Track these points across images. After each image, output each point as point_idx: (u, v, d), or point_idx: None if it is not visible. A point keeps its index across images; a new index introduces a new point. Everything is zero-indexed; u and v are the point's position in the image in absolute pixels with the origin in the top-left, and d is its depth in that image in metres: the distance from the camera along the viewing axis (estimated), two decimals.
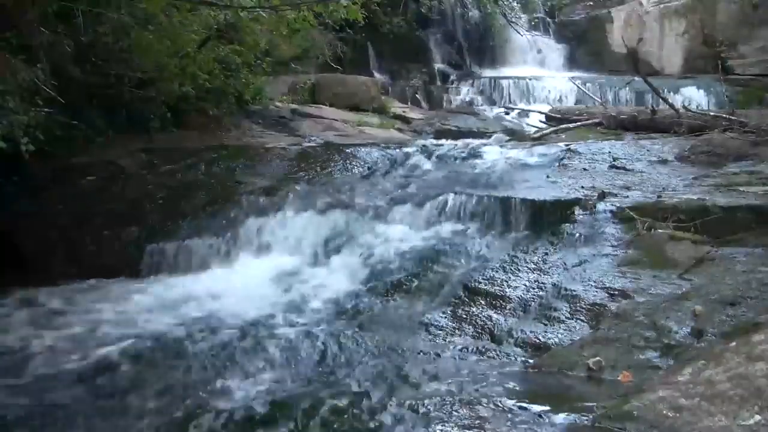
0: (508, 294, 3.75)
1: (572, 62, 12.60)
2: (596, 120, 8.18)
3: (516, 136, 8.26)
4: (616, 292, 3.52)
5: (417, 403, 2.64)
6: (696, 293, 3.31)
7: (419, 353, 3.37)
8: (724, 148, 5.87)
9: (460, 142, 7.08)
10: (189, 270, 4.85)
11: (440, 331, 3.56)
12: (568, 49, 12.84)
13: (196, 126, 7.10)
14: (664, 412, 2.07)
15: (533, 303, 3.63)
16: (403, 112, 9.89)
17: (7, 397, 3.08)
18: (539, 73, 11.75)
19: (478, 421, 2.46)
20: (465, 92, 11.29)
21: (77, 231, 5.25)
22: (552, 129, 8.12)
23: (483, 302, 3.73)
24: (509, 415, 2.51)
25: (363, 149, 6.51)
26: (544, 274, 3.88)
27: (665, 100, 7.97)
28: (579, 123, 8.19)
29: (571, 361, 2.97)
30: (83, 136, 5.98)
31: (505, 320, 3.55)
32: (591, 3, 13.59)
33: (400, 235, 4.77)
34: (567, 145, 6.35)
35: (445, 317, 3.66)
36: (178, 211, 5.35)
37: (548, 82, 10.85)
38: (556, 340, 3.32)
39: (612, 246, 4.08)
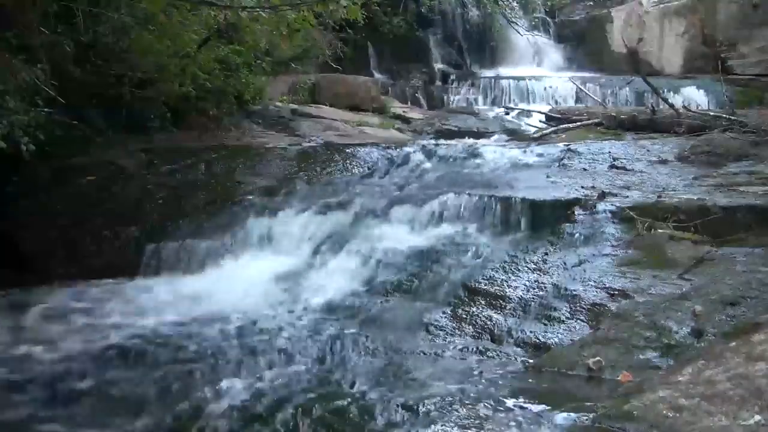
0: (508, 294, 3.75)
1: (572, 62, 12.59)
2: (596, 120, 8.18)
3: (516, 136, 8.26)
4: (616, 292, 3.52)
5: (417, 403, 2.64)
6: (696, 293, 3.31)
7: (419, 353, 3.37)
8: (724, 148, 5.88)
9: (460, 142, 7.09)
10: (189, 270, 4.85)
11: (440, 331, 3.56)
12: (568, 49, 12.83)
13: (196, 126, 7.09)
14: (664, 412, 2.07)
15: (533, 303, 3.63)
16: (403, 112, 9.89)
17: (6, 397, 3.08)
18: (539, 73, 11.74)
19: (478, 421, 2.46)
20: (465, 92, 11.28)
21: (77, 231, 5.25)
22: (552, 129, 8.13)
23: (483, 302, 3.73)
24: (509, 415, 2.51)
25: (363, 149, 6.51)
26: (544, 274, 3.88)
27: (665, 100, 7.97)
28: (579, 123, 8.20)
29: (571, 361, 2.97)
30: (83, 136, 5.98)
31: (505, 320, 3.55)
32: (591, 3, 13.59)
33: (400, 235, 4.76)
34: (567, 145, 6.35)
35: (445, 317, 3.65)
36: (178, 211, 5.35)
37: (548, 82, 10.85)
38: (556, 340, 3.32)
39: (612, 246, 4.08)
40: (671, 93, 9.13)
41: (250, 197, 5.48)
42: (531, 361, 3.18)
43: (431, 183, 5.66)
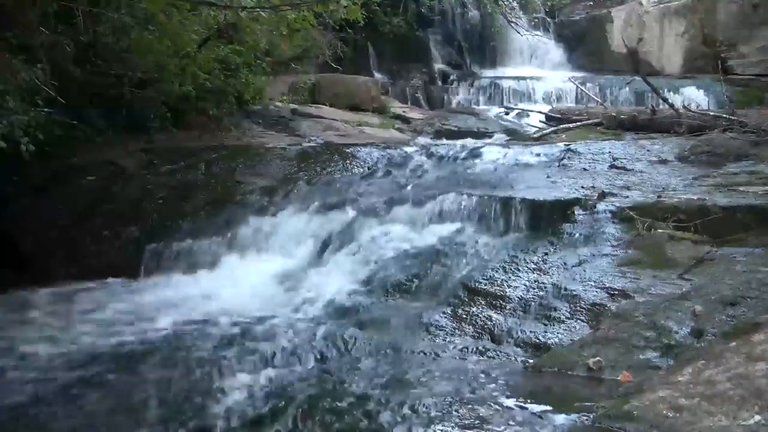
0: (508, 294, 3.75)
1: (572, 62, 12.59)
2: (596, 120, 8.19)
3: (516, 136, 8.26)
4: (616, 292, 3.52)
5: (417, 403, 2.64)
6: (696, 293, 3.31)
7: (419, 353, 3.37)
8: (724, 148, 5.88)
9: (460, 142, 7.09)
10: (189, 270, 4.85)
11: (440, 331, 3.56)
12: (567, 49, 12.83)
13: (196, 126, 7.10)
14: (664, 412, 2.07)
15: (533, 303, 3.63)
16: (403, 112, 9.88)
17: (5, 398, 3.08)
18: (539, 73, 11.74)
19: (478, 421, 2.46)
20: (465, 92, 11.28)
21: (77, 231, 5.25)
22: (552, 129, 8.13)
23: (483, 302, 3.73)
24: (509, 415, 2.51)
25: (363, 149, 6.51)
26: (544, 274, 3.88)
27: (665, 100, 7.97)
28: (579, 123, 8.20)
29: (571, 361, 2.97)
30: (83, 136, 5.98)
31: (505, 320, 3.55)
32: (591, 3, 13.59)
33: (400, 235, 4.76)
34: (567, 145, 6.35)
35: (445, 317, 3.65)
36: (178, 211, 5.35)
37: (548, 82, 10.85)
38: (556, 340, 3.32)
39: (612, 246, 4.08)
40: (671, 93, 9.13)
41: (250, 197, 5.48)
42: (531, 361, 3.18)
43: (431, 183, 5.66)
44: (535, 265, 4.00)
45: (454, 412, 2.55)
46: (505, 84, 11.03)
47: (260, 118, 8.00)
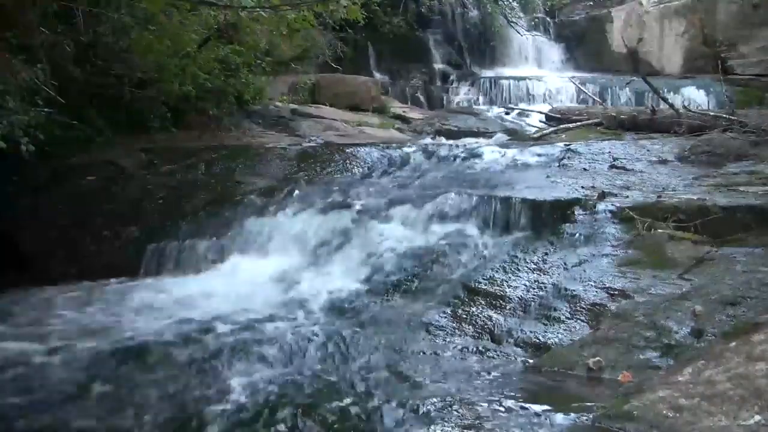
0: (508, 294, 3.75)
1: (572, 62, 12.60)
2: (596, 120, 8.19)
3: (516, 136, 8.26)
4: (616, 292, 3.52)
5: (417, 403, 2.64)
6: (696, 293, 3.31)
7: (419, 353, 3.37)
8: (724, 148, 5.88)
9: (460, 142, 7.09)
10: (189, 270, 4.85)
11: (440, 331, 3.55)
12: (567, 49, 12.83)
13: (196, 126, 7.10)
14: (664, 412, 2.07)
15: (533, 303, 3.63)
16: (403, 112, 9.89)
17: (5, 398, 3.08)
18: (539, 73, 11.75)
19: (478, 421, 2.46)
20: (465, 92, 11.29)
21: (77, 231, 5.25)
22: (552, 129, 8.13)
23: (483, 302, 3.73)
24: (509, 415, 2.50)
25: (363, 149, 6.51)
26: (544, 274, 3.88)
27: (665, 100, 7.97)
28: (579, 123, 8.20)
29: (571, 361, 2.97)
30: (83, 136, 5.99)
31: (505, 320, 3.55)
32: (591, 3, 13.60)
33: (400, 235, 4.76)
34: (567, 145, 6.35)
35: (445, 317, 3.65)
36: (178, 211, 5.35)
37: (548, 82, 10.85)
38: (556, 340, 3.32)
39: (612, 246, 4.08)
40: (671, 93, 9.12)
41: (250, 197, 5.48)
42: (531, 361, 3.18)
43: (431, 183, 5.66)
44: (535, 265, 4.00)
45: (454, 412, 2.54)
46: (505, 84, 11.03)
47: (260, 118, 8.01)
